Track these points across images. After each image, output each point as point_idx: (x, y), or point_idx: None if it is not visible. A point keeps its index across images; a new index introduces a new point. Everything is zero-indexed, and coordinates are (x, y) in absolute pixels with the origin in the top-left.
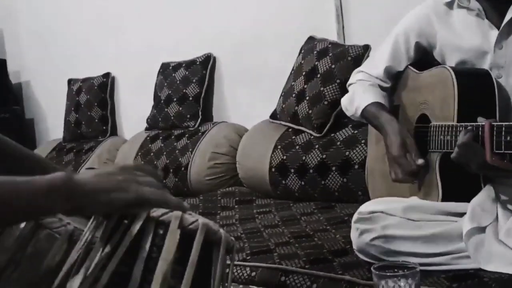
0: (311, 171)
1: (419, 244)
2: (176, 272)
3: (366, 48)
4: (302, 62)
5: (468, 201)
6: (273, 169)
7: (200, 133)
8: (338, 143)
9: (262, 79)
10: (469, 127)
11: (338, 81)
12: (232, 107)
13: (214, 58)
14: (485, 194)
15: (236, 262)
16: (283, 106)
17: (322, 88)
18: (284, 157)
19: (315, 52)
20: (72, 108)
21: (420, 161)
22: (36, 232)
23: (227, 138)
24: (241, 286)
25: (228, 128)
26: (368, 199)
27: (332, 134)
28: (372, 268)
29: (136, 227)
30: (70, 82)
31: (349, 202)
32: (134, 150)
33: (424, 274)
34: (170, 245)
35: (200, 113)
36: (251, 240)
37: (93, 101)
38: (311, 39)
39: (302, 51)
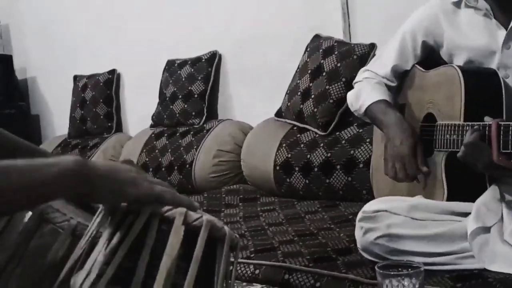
0: (315, 169)
1: (423, 243)
2: (180, 268)
3: (372, 47)
4: (308, 60)
5: (473, 201)
6: (277, 167)
7: (205, 131)
8: (343, 141)
9: (267, 77)
10: (476, 127)
11: (343, 79)
12: (237, 104)
13: (220, 56)
14: (490, 194)
15: (240, 260)
16: (288, 104)
17: (327, 87)
18: (289, 155)
19: (320, 50)
20: (78, 105)
21: (425, 169)
22: (40, 226)
23: (232, 136)
24: (244, 283)
25: (233, 126)
26: (373, 198)
27: (337, 133)
28: (376, 267)
29: (141, 222)
30: (76, 78)
31: (354, 201)
32: (139, 147)
33: (428, 273)
34: (174, 241)
35: (205, 110)
36: (255, 238)
37: (98, 97)
38: (316, 37)
39: (308, 49)
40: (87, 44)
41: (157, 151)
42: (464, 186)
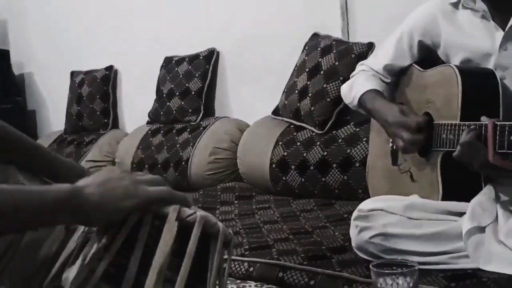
0: (311, 168)
1: (418, 242)
2: (173, 264)
3: (370, 46)
4: (306, 58)
5: (468, 200)
6: (273, 165)
7: (201, 128)
8: (340, 140)
9: (265, 75)
10: (472, 126)
11: (341, 78)
12: (234, 102)
13: (218, 53)
14: (486, 194)
15: (234, 257)
16: (286, 102)
17: (325, 85)
18: (285, 154)
19: (319, 49)
20: (74, 100)
21: (423, 118)
22: None
23: (228, 133)
24: (238, 281)
25: (229, 123)
26: (368, 197)
27: (334, 131)
28: (370, 266)
29: (134, 218)
30: (73, 74)
31: (349, 200)
32: (135, 144)
33: (422, 273)
34: (168, 237)
35: (202, 107)
36: (249, 236)
37: (95, 93)
38: (315, 35)
39: (306, 47)
40: (85, 40)
41: (153, 148)
42: (459, 186)
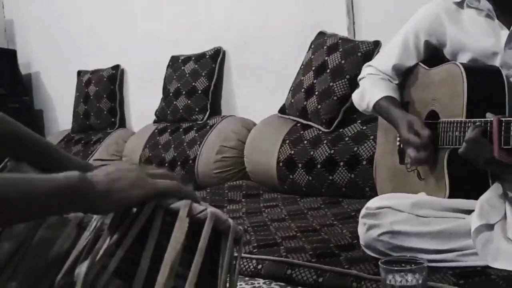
0: (318, 166)
1: (426, 240)
2: (184, 260)
3: (377, 44)
4: (312, 57)
5: (475, 198)
6: (280, 164)
7: (208, 127)
8: (347, 138)
9: (271, 73)
10: (477, 123)
11: (347, 76)
12: (241, 101)
13: (224, 52)
14: (493, 192)
15: (242, 255)
16: (292, 101)
17: (331, 84)
18: (292, 152)
19: (325, 47)
20: (81, 100)
21: (426, 132)
22: (46, 218)
23: (235, 132)
24: (247, 278)
25: (236, 122)
26: (376, 195)
27: (341, 130)
28: (379, 263)
29: (145, 214)
30: (80, 73)
31: (356, 198)
32: (142, 142)
33: (431, 270)
34: (179, 233)
35: (208, 106)
36: (257, 233)
37: (102, 93)
38: (321, 34)
39: (312, 46)
40: (92, 39)
41: (160, 146)
42: (466, 184)
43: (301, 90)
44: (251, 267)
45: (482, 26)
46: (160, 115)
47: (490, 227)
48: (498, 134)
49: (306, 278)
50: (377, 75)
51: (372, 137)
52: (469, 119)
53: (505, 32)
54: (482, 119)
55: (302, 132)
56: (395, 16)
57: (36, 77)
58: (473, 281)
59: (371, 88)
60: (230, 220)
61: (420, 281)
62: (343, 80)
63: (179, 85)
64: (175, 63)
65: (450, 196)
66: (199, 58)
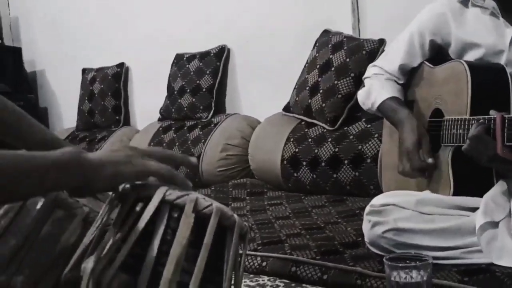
0: (323, 164)
1: (431, 237)
2: (190, 255)
3: (382, 42)
4: (317, 55)
5: (480, 196)
6: (285, 162)
7: (212, 125)
8: (351, 136)
9: (275, 71)
10: (481, 120)
11: (352, 74)
12: (245, 99)
13: (229, 50)
14: (498, 189)
15: (247, 252)
16: (297, 99)
17: (336, 82)
18: (296, 150)
19: (329, 45)
20: (86, 98)
21: (430, 160)
22: (53, 213)
23: (239, 130)
24: (252, 275)
25: (240, 120)
26: (380, 193)
27: (345, 128)
28: (384, 259)
29: (151, 209)
30: (84, 71)
31: (361, 196)
32: (146, 140)
33: (435, 267)
34: (185, 228)
35: (213, 104)
36: (262, 231)
37: (106, 90)
38: (326, 32)
39: (317, 44)
40: (96, 37)
41: (164, 144)
42: (470, 181)
43: (306, 88)
44: (256, 264)
45: (487, 24)
46: (165, 113)
47: (494, 224)
48: (502, 131)
49: (310, 275)
50: (382, 75)
51: (376, 135)
52: (473, 117)
53: (510, 31)
54: (486, 117)
55: (306, 130)
56: (400, 15)
57: (41, 75)
58: (477, 278)
59: (377, 88)
60: (236, 216)
61: (424, 278)
62: (347, 78)
63: (183, 83)
64: (180, 61)
65: (455, 194)
66: (204, 56)
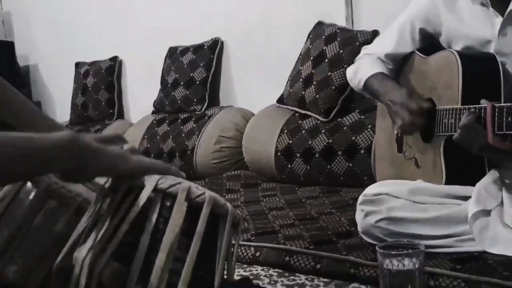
0: (317, 155)
1: (423, 226)
2: (182, 243)
3: (375, 34)
4: (310, 47)
5: (472, 185)
6: (279, 153)
7: (206, 117)
8: (345, 128)
9: (269, 64)
10: (472, 109)
11: (346, 66)
12: (239, 91)
13: (222, 43)
14: (490, 178)
15: (240, 242)
16: (290, 90)
17: (329, 73)
18: (290, 142)
19: (323, 37)
20: (79, 91)
21: (426, 104)
22: (45, 202)
23: (233, 122)
24: (245, 265)
25: (234, 112)
26: (374, 183)
27: (339, 119)
28: (376, 247)
29: (143, 198)
30: (78, 65)
31: (354, 187)
32: (140, 133)
33: (428, 256)
34: (177, 217)
35: (207, 97)
36: (256, 222)
37: (100, 84)
38: (319, 24)
39: (310, 36)
40: (90, 31)
41: (158, 137)
42: (463, 170)
43: (299, 80)
44: (249, 254)
45: (477, 14)
46: (158, 106)
47: (487, 213)
48: (492, 120)
49: (304, 265)
50: (373, 55)
51: (370, 126)
52: (464, 106)
53: (499, 20)
54: (477, 106)
55: (300, 121)
56: (394, 6)
57: (34, 69)
58: (470, 266)
59: (366, 65)
60: (228, 204)
61: (417, 265)
62: (341, 70)
63: (177, 76)
64: (173, 54)
65: (447, 183)
66: (197, 49)
